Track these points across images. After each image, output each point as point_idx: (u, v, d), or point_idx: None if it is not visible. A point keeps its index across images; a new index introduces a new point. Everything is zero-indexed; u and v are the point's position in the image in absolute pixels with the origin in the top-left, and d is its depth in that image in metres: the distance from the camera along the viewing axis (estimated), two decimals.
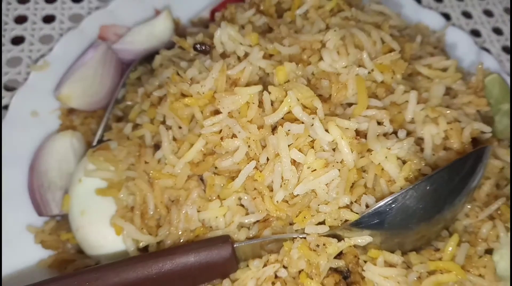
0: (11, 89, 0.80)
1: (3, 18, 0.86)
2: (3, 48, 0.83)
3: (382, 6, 0.65)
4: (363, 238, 0.50)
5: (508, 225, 0.59)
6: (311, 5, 0.61)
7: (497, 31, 0.93)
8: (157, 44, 0.75)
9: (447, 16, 0.94)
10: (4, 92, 0.78)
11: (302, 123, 0.50)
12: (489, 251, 0.58)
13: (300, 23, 0.60)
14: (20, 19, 0.87)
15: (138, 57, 0.74)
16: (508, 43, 0.93)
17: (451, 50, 0.81)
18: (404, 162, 0.50)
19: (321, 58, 0.56)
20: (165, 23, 0.75)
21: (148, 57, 0.73)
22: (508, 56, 0.87)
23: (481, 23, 0.94)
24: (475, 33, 0.93)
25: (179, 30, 0.79)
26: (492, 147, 0.57)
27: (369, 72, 0.55)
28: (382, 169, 0.50)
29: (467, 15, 0.95)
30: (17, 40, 0.86)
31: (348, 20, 0.60)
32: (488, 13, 0.96)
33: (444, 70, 0.62)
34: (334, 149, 0.50)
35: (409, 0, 0.85)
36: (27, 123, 0.70)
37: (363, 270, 0.51)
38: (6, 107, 0.76)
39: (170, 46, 0.68)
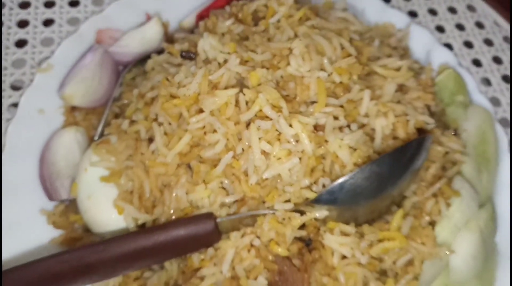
0: (17, 88, 0.85)
1: (7, 23, 0.91)
2: (8, 51, 0.88)
3: (345, 13, 0.75)
4: (321, 212, 0.59)
5: (449, 201, 0.71)
6: (282, 15, 0.70)
7: (460, 27, 1.02)
8: (148, 47, 0.82)
9: (415, 14, 1.01)
10: (11, 91, 0.84)
11: (271, 120, 0.60)
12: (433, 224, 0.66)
13: (272, 31, 0.69)
14: (22, 24, 0.92)
15: (132, 59, 0.81)
16: (470, 38, 1.03)
17: (415, 46, 0.88)
18: (354, 150, 0.59)
19: (288, 63, 0.64)
20: (155, 28, 0.82)
21: (141, 60, 0.79)
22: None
23: (445, 19, 1.04)
24: (440, 29, 1.02)
25: (168, 34, 0.86)
26: (433, 136, 0.65)
27: (329, 75, 0.64)
28: (337, 156, 0.59)
29: (432, 12, 1.05)
30: (21, 43, 0.90)
31: (314, 28, 0.69)
32: (452, 10, 1.05)
33: (398, 69, 0.70)
34: (297, 141, 0.58)
35: (378, 1, 0.91)
36: (35, 119, 0.77)
37: (322, 238, 0.59)
38: (15, 105, 0.82)
39: (160, 51, 0.76)
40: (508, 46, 1.00)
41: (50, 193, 0.73)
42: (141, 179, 0.66)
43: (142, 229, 0.65)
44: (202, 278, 0.61)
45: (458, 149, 0.69)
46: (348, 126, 0.61)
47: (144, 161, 0.67)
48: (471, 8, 1.04)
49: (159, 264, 0.65)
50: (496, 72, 0.96)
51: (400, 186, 0.61)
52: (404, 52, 0.79)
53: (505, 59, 0.98)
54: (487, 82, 0.96)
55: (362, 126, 0.63)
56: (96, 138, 0.75)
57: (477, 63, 0.97)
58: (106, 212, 0.67)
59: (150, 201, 0.66)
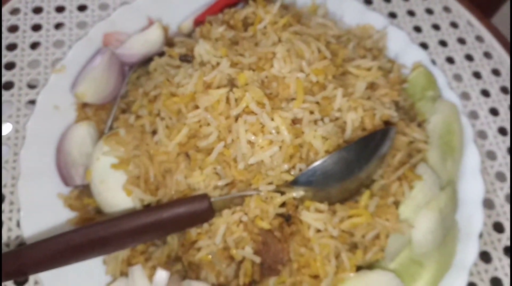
0: (33, 87, 0.94)
1: (22, 27, 1.00)
2: (24, 53, 0.97)
3: (324, 20, 0.84)
4: (298, 192, 0.68)
5: (412, 184, 0.77)
6: (268, 21, 0.79)
7: (436, 27, 1.12)
8: (151, 49, 0.90)
9: (394, 15, 1.11)
10: (28, 90, 0.93)
11: (256, 114, 0.68)
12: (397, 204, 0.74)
13: (259, 36, 0.78)
14: (36, 27, 1.01)
15: (136, 60, 0.89)
16: (445, 37, 1.12)
17: (392, 46, 0.97)
18: (326, 140, 0.68)
19: (272, 66, 0.72)
20: (156, 32, 0.90)
21: (145, 61, 0.88)
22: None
23: (423, 20, 1.13)
24: (417, 29, 1.11)
25: (168, 36, 0.94)
26: (397, 128, 0.75)
27: (306, 75, 0.71)
28: (311, 145, 0.68)
29: (411, 13, 1.14)
30: (35, 45, 0.98)
31: (295, 34, 0.77)
32: (429, 11, 1.14)
33: (369, 69, 0.79)
34: (278, 132, 0.67)
35: (358, 4, 0.99)
36: (51, 115, 0.83)
37: (300, 215, 0.68)
38: (33, 101, 0.90)
39: (162, 53, 0.84)
40: (480, 44, 1.10)
41: (66, 180, 0.79)
42: (146, 166, 0.73)
43: (148, 208, 0.72)
44: (198, 249, 0.68)
45: (421, 139, 0.78)
46: (322, 119, 0.70)
47: (149, 151, 0.73)
48: (446, 9, 1.13)
49: (162, 238, 0.72)
50: (468, 69, 1.06)
51: (367, 170, 0.70)
52: (379, 53, 0.87)
53: (477, 57, 1.08)
54: (459, 78, 1.06)
55: (335, 119, 0.72)
56: (106, 131, 0.81)
57: (450, 60, 1.07)
58: (116, 195, 0.73)
59: (154, 184, 0.73)
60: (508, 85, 1.05)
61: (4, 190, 0.84)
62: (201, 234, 0.69)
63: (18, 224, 0.81)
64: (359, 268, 0.71)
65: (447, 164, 0.84)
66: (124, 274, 0.72)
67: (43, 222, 0.75)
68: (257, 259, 0.67)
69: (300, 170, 0.68)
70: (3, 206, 0.83)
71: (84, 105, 0.86)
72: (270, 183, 0.69)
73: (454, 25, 1.12)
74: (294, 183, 0.68)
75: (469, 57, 1.08)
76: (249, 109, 0.69)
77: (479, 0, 1.15)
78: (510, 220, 0.90)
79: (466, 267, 0.78)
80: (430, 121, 0.85)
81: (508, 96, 1.04)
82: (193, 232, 0.70)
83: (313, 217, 0.68)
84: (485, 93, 1.04)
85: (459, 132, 0.88)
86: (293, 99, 0.71)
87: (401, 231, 0.72)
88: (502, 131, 1.00)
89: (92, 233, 0.67)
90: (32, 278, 0.78)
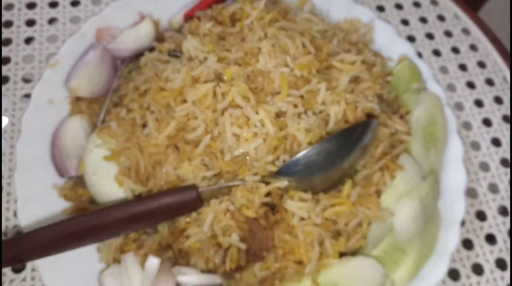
0: (28, 81, 0.97)
1: (16, 22, 1.03)
2: (18, 47, 1.00)
3: (309, 15, 0.86)
4: (282, 182, 0.70)
5: (394, 173, 0.80)
6: (255, 17, 0.81)
7: (423, 20, 1.14)
8: (142, 43, 0.92)
9: (382, 8, 1.13)
10: (23, 84, 0.96)
11: (241, 108, 0.70)
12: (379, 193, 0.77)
13: (246, 32, 0.80)
14: (30, 23, 1.03)
15: (128, 55, 0.91)
16: (432, 30, 1.15)
17: (378, 39, 0.99)
18: (309, 132, 0.71)
19: (258, 61, 0.74)
20: (147, 27, 0.93)
21: (136, 55, 0.90)
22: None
23: (410, 13, 1.16)
24: (405, 22, 1.14)
25: (159, 31, 0.97)
26: (379, 120, 0.78)
27: (291, 70, 0.74)
28: (295, 137, 0.71)
29: (399, 6, 1.16)
30: (29, 40, 1.01)
31: (281, 29, 0.80)
32: (417, 4, 1.17)
33: (353, 63, 0.82)
34: (262, 125, 0.70)
35: None
36: (46, 109, 0.85)
37: (284, 204, 0.70)
38: (28, 95, 0.94)
39: (152, 48, 0.87)
40: (466, 37, 1.13)
41: (60, 171, 0.81)
42: (137, 157, 0.75)
43: (139, 198, 0.74)
44: (188, 237, 0.71)
45: (403, 130, 0.81)
46: (306, 112, 0.73)
47: (139, 143, 0.75)
48: (434, 2, 1.16)
49: (153, 226, 0.75)
50: (454, 61, 1.10)
51: (349, 161, 0.73)
52: (364, 47, 0.90)
53: (463, 49, 1.11)
54: (445, 70, 1.09)
55: (319, 112, 0.74)
56: (99, 124, 0.83)
57: (437, 53, 1.10)
58: (109, 185, 0.76)
59: (145, 175, 0.75)
60: (493, 77, 1.08)
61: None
62: (190, 223, 0.71)
63: (15, 214, 0.84)
64: (343, 255, 0.75)
65: (430, 155, 0.87)
66: (117, 261, 0.75)
67: (39, 212, 0.78)
68: (243, 246, 0.69)
69: (284, 161, 0.71)
70: None
71: (77, 99, 0.88)
72: (256, 174, 0.71)
73: (441, 18, 1.15)
74: (279, 173, 0.71)
75: (455, 50, 1.11)
76: (235, 103, 0.71)
77: None
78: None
79: (447, 253, 0.81)
80: (414, 113, 0.88)
81: (493, 88, 1.07)
82: (182, 221, 0.72)
83: (297, 206, 0.71)
84: (471, 85, 1.07)
85: (442, 123, 0.92)
86: (278, 93, 0.73)
87: (382, 219, 0.75)
88: (486, 122, 1.04)
89: (86, 221, 0.69)
90: (29, 265, 0.82)
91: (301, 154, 0.70)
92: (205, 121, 0.72)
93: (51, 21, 1.05)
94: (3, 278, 0.81)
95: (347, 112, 0.75)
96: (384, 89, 0.84)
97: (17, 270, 0.82)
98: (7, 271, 0.81)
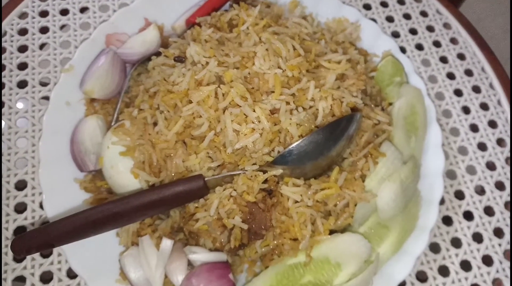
0: (45, 84, 1.06)
1: (31, 30, 1.11)
2: (34, 53, 1.08)
3: (299, 19, 0.96)
4: (278, 171, 0.78)
5: (377, 160, 0.91)
6: (250, 23, 0.90)
7: (407, 16, 1.23)
8: (149, 47, 1.00)
9: (369, 7, 1.22)
10: (40, 87, 1.05)
11: (240, 107, 0.78)
12: (363, 177, 0.86)
13: (243, 37, 0.89)
14: (43, 30, 1.12)
15: (136, 59, 0.99)
16: (415, 26, 1.24)
17: (365, 36, 1.08)
18: (300, 126, 0.80)
19: (253, 63, 0.82)
20: (153, 33, 1.01)
21: (144, 59, 0.98)
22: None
23: (395, 10, 1.25)
24: (389, 19, 1.22)
25: (163, 35, 1.05)
26: (362, 113, 0.86)
27: (283, 71, 0.81)
28: (288, 131, 0.79)
29: (384, 4, 1.25)
30: (43, 46, 1.10)
31: (274, 33, 0.89)
32: (401, 2, 1.26)
33: (339, 62, 0.91)
34: (259, 121, 0.77)
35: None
36: (64, 110, 0.92)
37: (280, 189, 0.78)
38: (45, 98, 1.03)
39: (158, 53, 0.95)
40: (447, 31, 1.22)
41: (80, 166, 0.89)
42: (150, 152, 0.81)
43: (152, 187, 0.80)
44: (197, 220, 0.77)
45: (385, 121, 0.92)
46: (297, 108, 0.82)
47: (151, 140, 0.82)
48: None
49: (165, 212, 0.83)
50: (435, 54, 1.19)
51: (336, 150, 0.83)
52: (350, 45, 1.00)
53: (444, 43, 1.20)
54: (427, 63, 1.19)
55: (309, 108, 0.84)
56: (113, 123, 0.90)
57: (419, 47, 1.20)
58: (125, 177, 0.83)
59: (157, 168, 0.81)
60: (472, 68, 1.18)
61: (25, 177, 0.98)
62: (198, 208, 0.79)
63: (40, 206, 0.95)
64: (333, 232, 0.84)
65: (410, 142, 0.97)
66: (135, 244, 0.82)
67: (62, 203, 0.85)
68: (245, 226, 0.77)
69: (279, 152, 0.79)
70: (25, 190, 0.97)
71: (92, 100, 0.96)
72: (254, 164, 0.79)
73: (424, 13, 1.24)
74: (274, 163, 0.79)
75: (436, 44, 1.21)
76: (234, 103, 0.79)
77: None
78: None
79: (427, 228, 0.89)
80: (395, 105, 0.98)
81: (472, 78, 1.17)
82: (191, 206, 0.79)
83: (291, 190, 0.79)
84: (451, 76, 1.17)
85: (422, 113, 1.02)
86: (272, 92, 0.81)
87: (366, 200, 0.84)
88: (465, 110, 1.14)
89: (106, 210, 0.75)
90: (55, 251, 0.92)
91: (293, 145, 0.79)
92: (209, 119, 0.79)
93: (63, 27, 1.14)
94: (32, 262, 0.92)
95: (333, 107, 0.85)
96: (368, 84, 0.94)
97: (45, 255, 0.92)
98: (36, 256, 0.92)
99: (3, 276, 0.89)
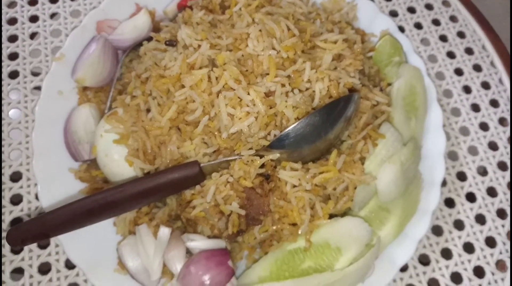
0: (36, 74, 1.05)
1: (20, 19, 1.10)
2: (25, 43, 1.07)
3: None
4: (274, 155, 0.78)
5: (377, 142, 0.88)
6: (243, 4, 0.88)
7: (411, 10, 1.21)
8: (140, 33, 0.98)
9: None
10: (32, 77, 1.04)
11: (234, 90, 0.77)
12: (363, 159, 0.85)
13: (235, 18, 0.87)
14: (33, 19, 1.11)
15: (128, 45, 0.98)
16: (413, 4, 1.21)
17: (362, 16, 1.06)
18: (296, 108, 0.79)
19: (247, 45, 0.81)
20: (144, 18, 0.99)
21: (136, 45, 0.97)
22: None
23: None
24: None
25: (155, 20, 1.03)
26: (360, 93, 0.85)
27: (278, 52, 0.80)
28: (284, 114, 0.78)
29: None
30: (33, 36, 1.09)
31: (267, 14, 0.87)
32: None
33: (335, 42, 0.89)
34: (253, 104, 0.77)
35: None
36: (56, 99, 0.92)
37: (278, 173, 0.78)
38: (38, 88, 1.03)
39: (149, 38, 0.94)
40: (447, 9, 1.20)
41: (74, 156, 0.89)
42: (144, 139, 0.82)
43: (147, 175, 0.80)
44: (194, 207, 0.78)
45: (384, 102, 0.90)
46: (293, 90, 0.81)
47: (145, 126, 0.82)
48: None
49: (162, 200, 0.83)
50: (435, 33, 1.17)
51: (334, 132, 0.81)
52: (346, 25, 0.98)
53: (443, 21, 1.18)
54: (426, 42, 1.17)
55: (305, 90, 0.83)
56: (106, 111, 0.91)
57: (418, 26, 1.18)
58: (120, 166, 0.83)
59: (152, 155, 0.82)
60: (472, 46, 1.16)
61: (20, 168, 0.97)
62: (194, 195, 0.79)
63: (36, 197, 0.94)
64: (333, 216, 0.84)
65: (410, 123, 0.96)
66: (132, 233, 0.82)
67: (58, 193, 0.85)
68: (242, 212, 0.77)
69: (275, 135, 0.79)
70: (21, 182, 0.96)
71: (84, 89, 0.95)
72: (250, 149, 0.79)
73: None
74: (271, 147, 0.79)
75: (436, 22, 1.18)
76: (228, 86, 0.78)
77: None
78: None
79: (429, 211, 0.89)
80: (394, 85, 0.97)
81: (473, 57, 1.15)
82: (188, 193, 0.80)
83: (289, 174, 0.79)
84: (451, 54, 1.15)
85: (422, 93, 1.00)
86: (266, 74, 0.81)
87: (366, 183, 0.84)
88: (466, 89, 1.12)
89: (102, 199, 0.76)
90: (53, 242, 0.92)
91: (290, 128, 0.78)
92: (202, 103, 0.79)
93: (53, 15, 1.12)
94: (30, 254, 0.91)
95: (330, 88, 0.83)
96: (366, 64, 0.92)
97: (43, 246, 0.92)
98: (33, 247, 0.92)
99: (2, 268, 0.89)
